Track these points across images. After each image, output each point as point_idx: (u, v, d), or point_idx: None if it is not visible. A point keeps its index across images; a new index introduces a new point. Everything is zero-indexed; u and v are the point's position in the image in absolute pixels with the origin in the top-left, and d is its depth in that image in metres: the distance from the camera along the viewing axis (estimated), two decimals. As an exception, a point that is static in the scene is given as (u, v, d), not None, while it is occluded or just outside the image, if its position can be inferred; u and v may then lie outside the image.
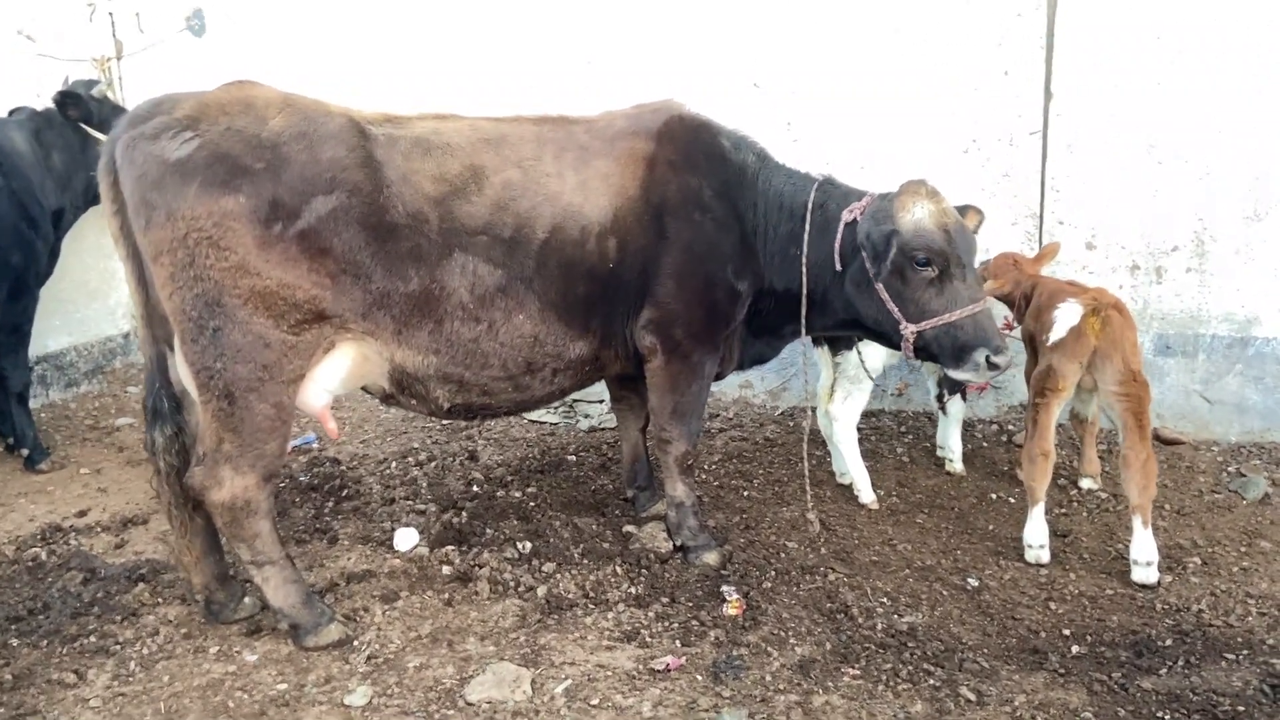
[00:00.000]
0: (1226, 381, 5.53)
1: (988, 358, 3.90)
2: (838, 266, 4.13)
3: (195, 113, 3.47)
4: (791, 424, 6.11)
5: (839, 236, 4.11)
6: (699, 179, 4.19)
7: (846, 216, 4.09)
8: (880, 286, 4.00)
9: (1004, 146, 5.79)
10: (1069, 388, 4.28)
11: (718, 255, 4.19)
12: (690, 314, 4.18)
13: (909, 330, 4.01)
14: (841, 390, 4.99)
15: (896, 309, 4.01)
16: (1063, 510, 4.87)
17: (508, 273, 3.89)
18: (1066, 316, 4.24)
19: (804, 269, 4.20)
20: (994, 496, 5.06)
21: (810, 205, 4.18)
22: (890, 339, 4.21)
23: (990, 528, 4.72)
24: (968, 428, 5.82)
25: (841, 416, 5.00)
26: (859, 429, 5.12)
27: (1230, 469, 5.22)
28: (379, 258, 3.66)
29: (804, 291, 4.22)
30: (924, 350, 4.07)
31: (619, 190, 4.08)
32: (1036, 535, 4.32)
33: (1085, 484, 5.06)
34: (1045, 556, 4.32)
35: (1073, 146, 5.64)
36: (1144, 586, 4.08)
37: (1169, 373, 5.64)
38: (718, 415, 6.41)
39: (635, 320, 4.21)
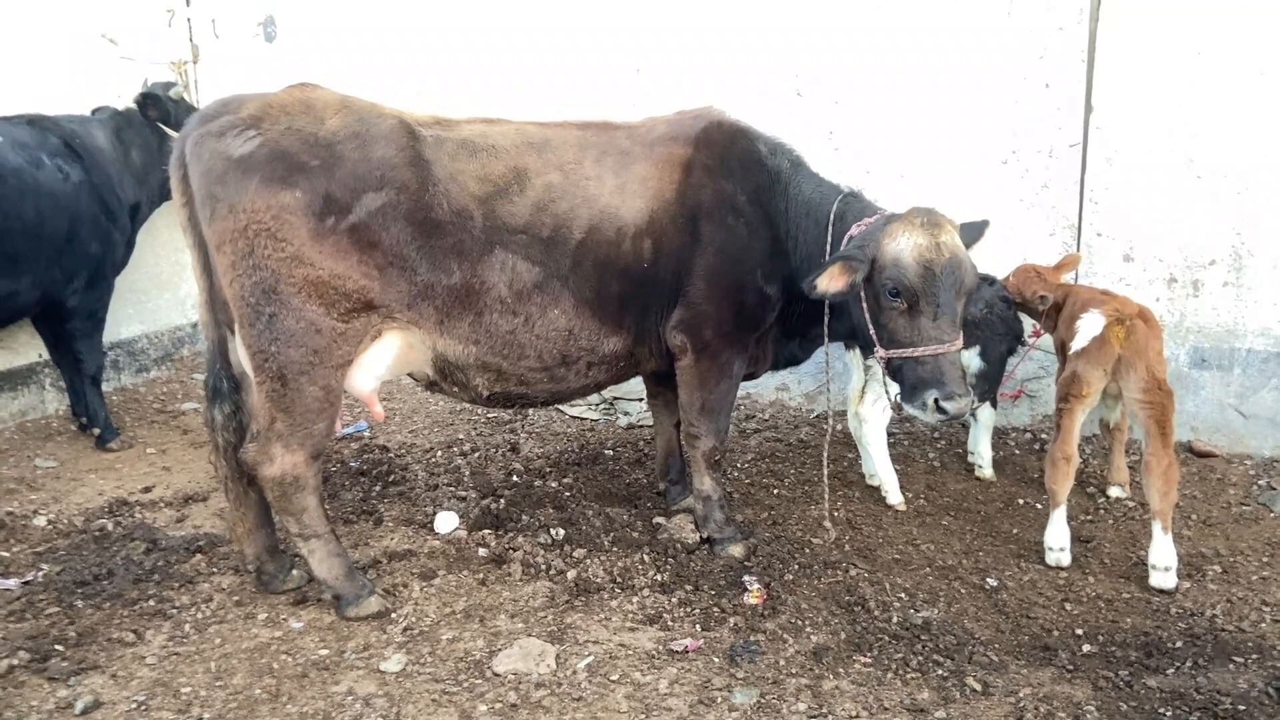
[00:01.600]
0: (1262, 396, 5.52)
1: (937, 400, 3.88)
2: None
3: (258, 112, 3.72)
4: (825, 427, 6.21)
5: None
6: (733, 184, 4.32)
7: (853, 231, 4.15)
8: (864, 307, 4.08)
9: (1043, 158, 5.84)
10: (1093, 394, 4.36)
11: (749, 259, 4.32)
12: (720, 315, 4.31)
13: (879, 354, 4.08)
14: (872, 392, 5.10)
15: (873, 331, 4.08)
16: (1088, 517, 4.93)
17: (545, 270, 4.06)
18: (1090, 326, 4.33)
19: None
20: (1021, 502, 5.13)
21: (832, 216, 4.28)
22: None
23: (1014, 531, 4.79)
24: (1000, 435, 5.89)
25: (871, 418, 5.10)
26: (892, 433, 5.20)
27: (1261, 482, 5.21)
28: (424, 252, 3.87)
29: (826, 300, 4.32)
30: (893, 375, 4.12)
31: (656, 193, 4.23)
32: (1057, 538, 4.40)
33: (1113, 492, 5.11)
34: (1066, 560, 4.39)
35: (1112, 159, 5.68)
36: (1161, 591, 4.14)
37: (1204, 386, 5.65)
38: (754, 416, 6.56)
39: (668, 319, 4.36)
